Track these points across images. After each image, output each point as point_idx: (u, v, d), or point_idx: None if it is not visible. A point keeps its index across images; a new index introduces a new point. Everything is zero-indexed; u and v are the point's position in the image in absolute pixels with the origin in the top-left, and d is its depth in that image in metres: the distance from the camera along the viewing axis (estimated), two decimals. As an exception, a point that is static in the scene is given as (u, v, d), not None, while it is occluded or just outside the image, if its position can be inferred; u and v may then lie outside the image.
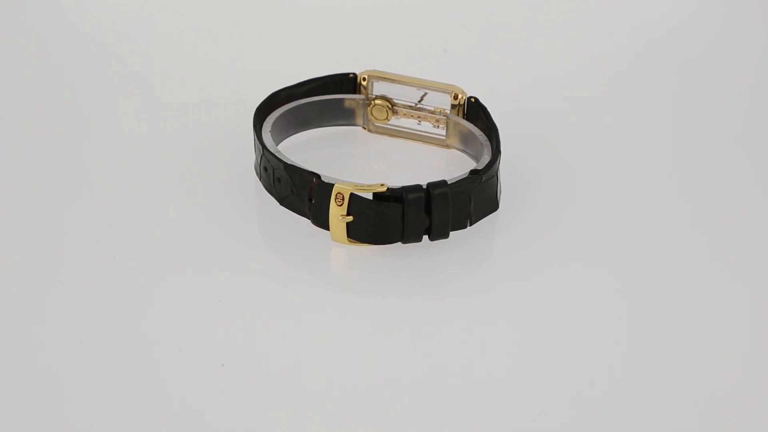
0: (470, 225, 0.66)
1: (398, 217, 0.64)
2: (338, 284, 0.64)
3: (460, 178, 0.64)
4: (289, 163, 0.65)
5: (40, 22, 0.83)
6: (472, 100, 0.70)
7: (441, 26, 0.85)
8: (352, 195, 0.63)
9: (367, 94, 0.71)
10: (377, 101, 0.71)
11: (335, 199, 0.63)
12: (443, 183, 0.64)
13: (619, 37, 0.86)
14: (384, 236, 0.64)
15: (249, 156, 0.70)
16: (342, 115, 0.72)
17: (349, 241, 0.64)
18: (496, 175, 0.66)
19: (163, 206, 0.68)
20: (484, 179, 0.65)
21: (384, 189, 0.63)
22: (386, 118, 0.71)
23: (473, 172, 0.65)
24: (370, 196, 0.64)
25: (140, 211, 0.67)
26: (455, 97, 0.70)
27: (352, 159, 0.72)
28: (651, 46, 0.85)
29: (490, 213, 0.67)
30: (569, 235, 0.66)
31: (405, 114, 0.71)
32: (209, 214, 0.67)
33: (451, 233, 0.65)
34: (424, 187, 0.63)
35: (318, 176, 0.64)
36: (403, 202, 0.63)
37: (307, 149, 0.71)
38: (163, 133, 0.73)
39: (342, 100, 0.71)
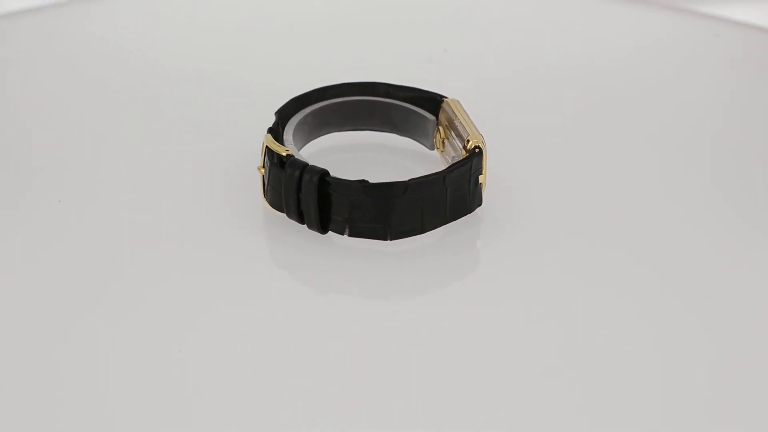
0: (348, 235, 0.64)
1: (280, 186, 0.64)
2: (315, 286, 0.65)
3: (350, 180, 0.63)
4: (275, 114, 0.69)
5: (41, 22, 0.84)
6: (476, 150, 0.66)
7: (441, 26, 0.80)
8: (266, 148, 0.66)
9: (438, 119, 0.70)
10: (440, 128, 0.70)
11: (262, 149, 0.66)
12: (319, 171, 0.63)
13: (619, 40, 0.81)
14: (275, 201, 0.65)
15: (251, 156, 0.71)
16: (421, 132, 0.72)
17: (263, 195, 0.67)
18: (400, 198, 0.62)
19: (164, 206, 0.69)
20: (369, 192, 0.62)
21: (285, 154, 0.65)
22: (439, 148, 0.70)
23: (359, 181, 0.63)
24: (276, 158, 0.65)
25: (139, 210, 0.68)
26: (467, 142, 0.66)
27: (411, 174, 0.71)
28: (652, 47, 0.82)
29: (378, 238, 0.63)
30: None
31: (449, 150, 0.69)
32: (214, 216, 0.68)
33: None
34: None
35: (272, 128, 0.67)
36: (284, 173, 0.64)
37: (380, 153, 0.73)
38: (172, 132, 0.74)
39: (426, 118, 0.71)
